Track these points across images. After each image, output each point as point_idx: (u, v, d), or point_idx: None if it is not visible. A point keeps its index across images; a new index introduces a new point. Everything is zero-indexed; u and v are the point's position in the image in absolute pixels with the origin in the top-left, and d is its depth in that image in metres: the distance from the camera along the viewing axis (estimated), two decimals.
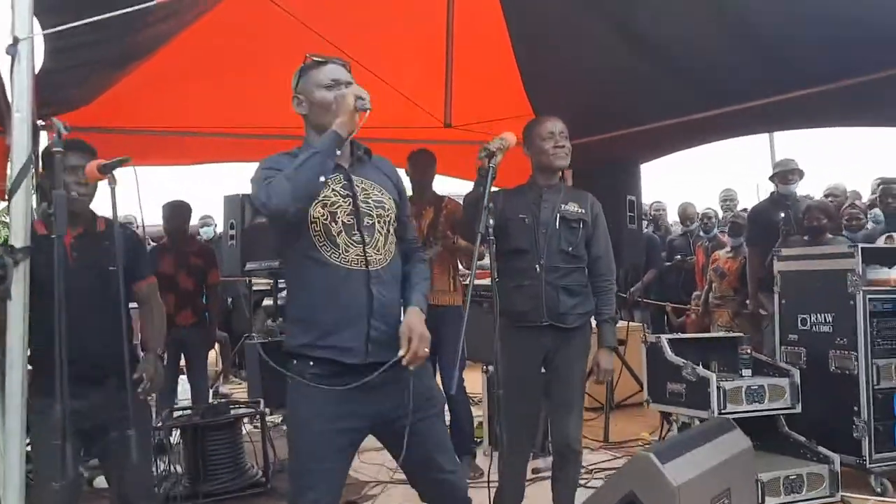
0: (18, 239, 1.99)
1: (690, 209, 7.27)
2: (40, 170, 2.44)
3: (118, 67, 4.17)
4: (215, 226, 7.77)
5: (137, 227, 7.62)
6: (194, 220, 7.71)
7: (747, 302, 5.66)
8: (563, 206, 3.11)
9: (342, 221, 2.14)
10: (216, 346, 7.32)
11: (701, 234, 6.85)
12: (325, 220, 2.13)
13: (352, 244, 2.15)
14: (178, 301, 4.98)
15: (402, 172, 2.78)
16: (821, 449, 3.78)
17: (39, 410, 2.18)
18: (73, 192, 2.40)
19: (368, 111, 2.09)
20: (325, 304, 2.13)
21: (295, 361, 2.18)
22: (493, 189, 3.07)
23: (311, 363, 2.14)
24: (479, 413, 5.14)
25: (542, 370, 3.15)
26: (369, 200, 2.22)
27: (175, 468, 4.21)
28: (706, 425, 3.29)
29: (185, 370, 5.30)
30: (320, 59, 2.24)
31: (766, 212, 5.53)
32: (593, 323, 3.21)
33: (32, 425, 2.37)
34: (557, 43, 4.79)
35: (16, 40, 1.99)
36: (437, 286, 4.36)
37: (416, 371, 2.20)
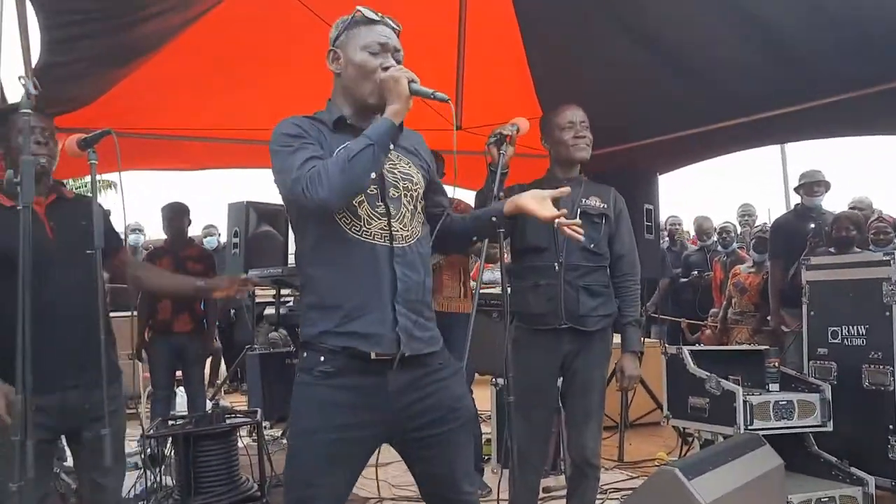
0: None
1: (706, 223, 7.05)
2: None
3: (119, 64, 4.05)
4: (219, 235, 7.62)
5: (145, 235, 7.56)
6: (197, 230, 7.58)
7: (768, 318, 5.43)
8: (583, 200, 2.91)
9: (365, 191, 1.89)
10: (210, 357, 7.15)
11: (719, 248, 6.63)
12: None
13: (375, 216, 1.90)
14: (174, 306, 4.79)
15: None
16: (854, 470, 3.53)
17: None
18: (41, 159, 2.21)
19: (444, 100, 1.85)
20: (346, 284, 1.87)
21: (305, 354, 1.91)
22: (515, 185, 2.91)
23: (323, 358, 1.87)
24: (487, 430, 4.92)
25: (560, 378, 2.94)
26: (395, 171, 1.98)
27: (165, 481, 4.02)
28: (734, 441, 3.06)
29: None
30: (373, 16, 1.96)
31: (790, 224, 5.33)
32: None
33: None
34: (571, 50, 4.69)
35: None
36: (446, 292, 4.17)
37: (446, 377, 1.98)
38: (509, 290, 2.86)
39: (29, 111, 1.74)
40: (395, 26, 2.00)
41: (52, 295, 2.19)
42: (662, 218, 7.42)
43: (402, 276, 1.90)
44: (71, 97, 3.96)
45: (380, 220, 1.91)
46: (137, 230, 7.02)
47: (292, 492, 1.90)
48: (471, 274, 4.60)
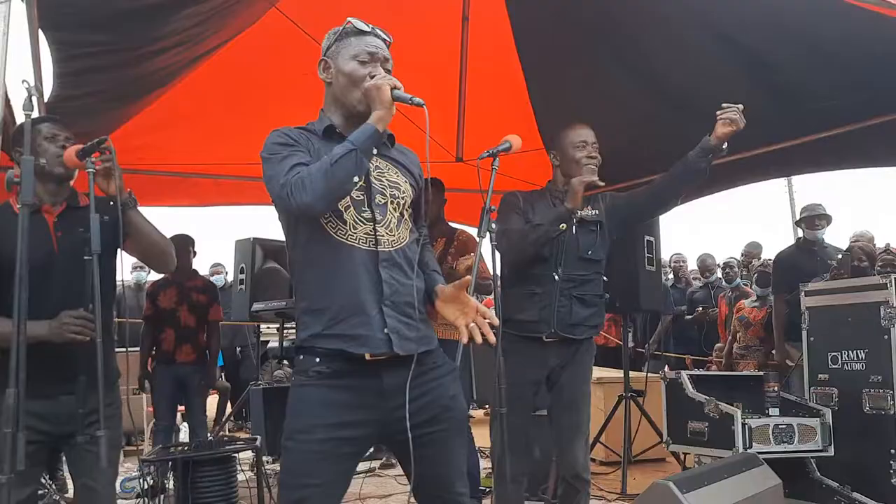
0: None
1: (710, 260, 7.07)
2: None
3: (129, 100, 4.16)
4: (226, 274, 7.68)
5: (148, 272, 7.62)
6: (204, 269, 7.66)
7: (773, 352, 5.40)
8: (579, 212, 2.96)
9: (351, 196, 1.94)
10: (216, 395, 7.15)
11: (723, 284, 6.63)
12: None
13: (360, 221, 1.95)
14: (178, 337, 4.83)
15: None
16: (855, 495, 3.51)
17: None
18: (53, 163, 2.29)
19: (419, 105, 1.87)
20: (332, 287, 1.91)
21: (301, 357, 1.96)
22: (514, 191, 2.98)
23: (318, 359, 1.91)
24: (487, 465, 4.88)
25: (542, 393, 2.94)
26: (383, 179, 2.02)
27: None
28: (731, 459, 3.04)
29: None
30: (363, 27, 2.03)
31: (792, 258, 5.33)
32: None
33: None
34: (572, 85, 4.75)
35: None
36: (441, 319, 4.16)
37: (440, 376, 2.01)
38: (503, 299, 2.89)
39: (30, 112, 1.81)
40: (385, 38, 2.07)
41: (52, 306, 2.23)
42: (666, 255, 7.46)
43: (388, 280, 1.94)
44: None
45: (365, 224, 1.96)
46: (141, 268, 7.07)
47: (287, 491, 1.91)
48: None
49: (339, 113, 2.06)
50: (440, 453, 1.99)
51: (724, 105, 2.74)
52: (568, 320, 2.85)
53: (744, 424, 3.41)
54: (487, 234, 2.56)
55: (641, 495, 2.70)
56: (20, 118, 2.14)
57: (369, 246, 1.95)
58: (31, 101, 1.81)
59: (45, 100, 3.43)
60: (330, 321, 1.91)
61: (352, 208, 1.95)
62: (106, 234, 2.13)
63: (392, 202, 2.01)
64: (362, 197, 1.97)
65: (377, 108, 1.89)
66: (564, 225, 2.81)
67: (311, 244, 1.96)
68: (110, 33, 3.31)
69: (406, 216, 2.06)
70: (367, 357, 1.89)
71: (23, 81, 1.75)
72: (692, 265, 7.72)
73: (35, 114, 1.96)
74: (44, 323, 2.19)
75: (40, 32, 3.11)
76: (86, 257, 2.13)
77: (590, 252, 2.92)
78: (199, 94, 4.35)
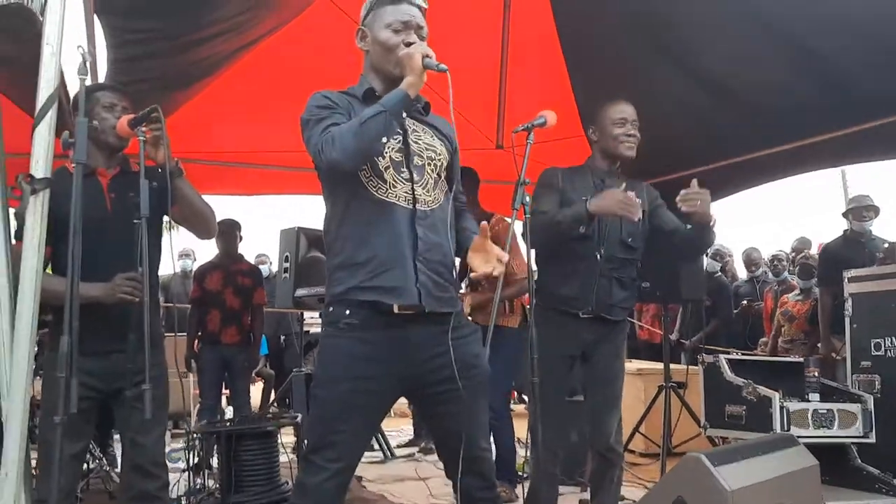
0: (39, 169, 1.96)
1: (755, 254, 6.98)
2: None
3: (178, 87, 4.28)
4: (270, 264, 7.84)
5: (195, 260, 7.82)
6: (250, 258, 7.81)
7: (818, 346, 5.32)
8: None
9: (390, 157, 2.03)
10: (261, 382, 7.29)
11: (769, 278, 6.54)
12: None
13: (400, 181, 2.04)
14: (223, 318, 4.97)
15: None
16: None
17: (52, 348, 2.12)
18: (108, 133, 2.42)
19: (443, 71, 1.93)
20: (372, 241, 1.99)
21: (331, 308, 2.04)
22: (555, 167, 3.02)
23: (349, 311, 1.99)
24: (523, 453, 4.89)
25: (577, 371, 2.96)
26: (420, 142, 2.11)
27: (208, 483, 4.13)
28: (767, 437, 3.02)
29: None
30: None
31: (839, 250, 5.25)
32: None
33: (47, 362, 2.34)
34: (615, 77, 4.72)
35: None
36: (488, 307, 4.20)
37: (464, 335, 2.07)
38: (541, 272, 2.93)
39: (85, 77, 1.92)
40: (421, 3, 2.13)
41: (103, 263, 2.34)
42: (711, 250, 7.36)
43: (423, 236, 2.02)
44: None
45: (405, 184, 2.04)
46: (187, 255, 7.26)
47: (314, 436, 2.00)
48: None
49: (377, 78, 2.14)
50: (463, 410, 2.04)
51: (682, 192, 2.74)
52: (607, 300, 2.88)
53: (782, 407, 3.39)
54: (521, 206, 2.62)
55: (674, 468, 2.70)
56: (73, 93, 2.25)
57: (408, 204, 2.03)
58: (85, 65, 1.91)
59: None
60: (368, 274, 1.99)
61: (391, 168, 2.03)
62: (154, 199, 2.24)
63: (429, 164, 2.10)
64: (401, 158, 2.06)
65: (408, 74, 1.96)
66: (584, 228, 2.80)
67: (352, 201, 2.04)
68: (159, 19, 3.44)
69: (442, 178, 2.14)
70: (396, 310, 1.97)
71: (78, 47, 1.86)
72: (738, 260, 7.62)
73: (89, 81, 2.06)
74: (98, 285, 2.31)
75: (95, 18, 3.26)
76: (135, 220, 2.24)
77: (630, 239, 2.93)
78: (246, 84, 4.45)
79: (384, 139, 1.97)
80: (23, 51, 2.24)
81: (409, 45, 2.04)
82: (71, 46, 2.01)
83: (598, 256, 2.90)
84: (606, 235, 2.91)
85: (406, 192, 2.03)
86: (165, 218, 2.58)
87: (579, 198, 2.89)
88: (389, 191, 2.02)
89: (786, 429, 3.36)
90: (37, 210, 1.97)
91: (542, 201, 2.92)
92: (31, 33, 2.03)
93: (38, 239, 1.99)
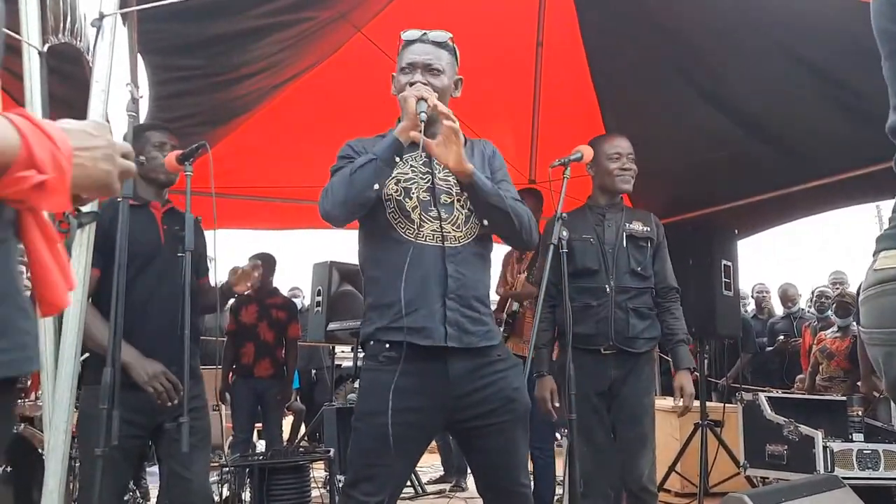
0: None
1: (791, 290, 6.87)
2: None
3: (217, 124, 4.36)
4: (303, 297, 7.88)
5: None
6: (283, 291, 7.86)
7: (858, 384, 5.20)
8: (627, 224, 2.97)
9: (417, 197, 2.05)
10: (292, 416, 7.29)
11: (808, 313, 6.42)
12: (399, 195, 2.04)
13: (427, 220, 2.04)
14: (257, 351, 5.00)
15: None
16: None
17: (93, 381, 2.14)
18: (158, 171, 2.48)
19: (422, 121, 1.91)
20: (399, 283, 1.98)
21: (371, 343, 2.05)
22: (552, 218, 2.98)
23: (388, 345, 2.00)
24: (559, 492, 4.82)
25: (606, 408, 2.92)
26: (450, 179, 2.10)
27: None
28: (811, 478, 2.94)
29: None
30: (409, 37, 2.12)
31: None
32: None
33: (86, 397, 2.35)
34: (646, 112, 4.74)
35: (101, 15, 2.08)
36: (528, 335, 4.16)
37: (504, 368, 2.06)
38: (556, 310, 2.91)
39: (134, 114, 1.98)
40: (433, 41, 2.11)
41: (151, 291, 2.40)
42: (748, 286, 7.29)
43: (454, 273, 2.02)
44: None
45: (432, 223, 2.05)
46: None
47: (353, 470, 2.00)
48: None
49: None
50: (502, 444, 2.02)
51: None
52: (626, 333, 2.85)
53: (825, 447, 3.30)
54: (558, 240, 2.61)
55: None
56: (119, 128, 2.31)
57: (436, 242, 2.03)
58: (134, 102, 1.96)
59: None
60: (396, 315, 1.99)
61: (419, 208, 2.05)
62: (199, 238, 2.29)
63: (458, 199, 2.09)
64: (429, 197, 2.07)
65: (403, 118, 1.99)
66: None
67: (381, 242, 2.06)
68: (200, 58, 3.53)
69: (474, 212, 2.11)
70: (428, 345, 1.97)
71: (126, 84, 1.90)
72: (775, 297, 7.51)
73: (137, 116, 2.12)
74: (136, 356, 2.28)
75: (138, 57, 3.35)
76: (179, 254, 2.28)
77: (639, 268, 2.92)
78: (283, 119, 4.53)
79: (376, 187, 1.96)
80: (73, 90, 2.31)
81: (412, 84, 2.03)
82: (118, 84, 2.08)
83: (608, 289, 2.89)
84: (615, 266, 2.90)
85: (434, 231, 2.04)
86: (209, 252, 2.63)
87: (579, 236, 2.89)
88: (417, 231, 2.04)
89: (829, 469, 3.28)
90: (83, 243, 2.01)
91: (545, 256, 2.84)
92: (80, 73, 2.09)
93: (84, 270, 2.02)
